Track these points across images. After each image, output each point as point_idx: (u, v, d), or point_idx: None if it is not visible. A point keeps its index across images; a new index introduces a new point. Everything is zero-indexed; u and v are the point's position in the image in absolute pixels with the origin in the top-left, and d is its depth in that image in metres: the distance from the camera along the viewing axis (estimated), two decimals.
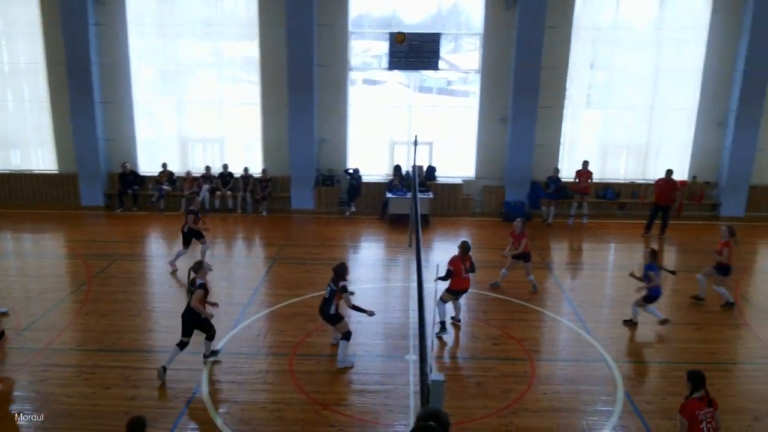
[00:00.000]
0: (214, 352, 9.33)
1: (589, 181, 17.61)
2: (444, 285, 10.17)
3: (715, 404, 6.31)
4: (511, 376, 9.02)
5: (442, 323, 10.19)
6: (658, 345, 10.27)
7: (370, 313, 9.29)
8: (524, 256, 12.20)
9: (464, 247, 10.26)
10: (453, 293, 10.29)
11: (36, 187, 19.26)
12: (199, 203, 14.52)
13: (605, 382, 8.91)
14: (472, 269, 10.36)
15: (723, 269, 11.48)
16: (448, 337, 10.28)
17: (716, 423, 6.27)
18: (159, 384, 8.62)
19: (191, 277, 9.12)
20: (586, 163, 17.71)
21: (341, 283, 9.08)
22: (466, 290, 10.45)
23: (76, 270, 13.57)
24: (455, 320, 10.68)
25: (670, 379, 9.07)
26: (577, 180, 17.71)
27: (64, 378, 8.89)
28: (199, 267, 9.13)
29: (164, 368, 8.71)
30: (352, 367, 9.21)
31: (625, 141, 18.84)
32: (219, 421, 7.84)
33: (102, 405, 8.22)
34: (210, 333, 9.12)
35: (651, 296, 10.50)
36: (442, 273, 9.80)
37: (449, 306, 10.58)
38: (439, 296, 9.99)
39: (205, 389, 8.56)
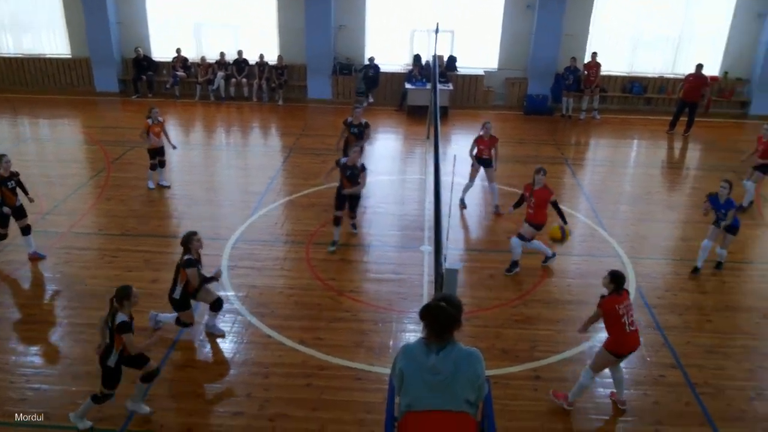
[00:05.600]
0: None
1: (598, 74, 16.98)
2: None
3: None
4: (524, 269, 9.09)
5: (515, 263, 8.98)
6: (673, 243, 10.22)
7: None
8: None
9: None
10: (535, 227, 8.87)
11: (49, 71, 19.02)
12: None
13: None
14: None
15: None
16: (463, 231, 10.34)
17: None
18: None
19: None
20: (594, 55, 17.03)
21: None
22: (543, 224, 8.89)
23: (95, 156, 13.62)
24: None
25: (682, 275, 9.11)
26: (585, 73, 17.09)
27: (87, 261, 9.11)
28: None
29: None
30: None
31: (656, 32, 17.95)
32: (238, 305, 8.06)
33: None
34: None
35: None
36: (459, 165, 9.39)
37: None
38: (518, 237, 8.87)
39: (225, 273, 8.68)
